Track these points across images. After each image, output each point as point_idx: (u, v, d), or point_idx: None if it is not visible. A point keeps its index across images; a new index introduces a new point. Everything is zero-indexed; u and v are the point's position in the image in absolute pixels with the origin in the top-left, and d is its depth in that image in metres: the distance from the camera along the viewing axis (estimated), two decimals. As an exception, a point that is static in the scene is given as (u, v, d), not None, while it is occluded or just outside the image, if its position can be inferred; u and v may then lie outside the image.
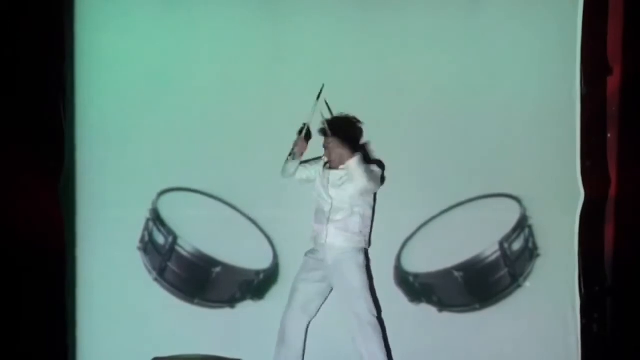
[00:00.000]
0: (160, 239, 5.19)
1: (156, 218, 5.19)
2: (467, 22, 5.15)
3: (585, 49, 5.10)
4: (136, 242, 5.18)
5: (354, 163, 4.73)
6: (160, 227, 5.19)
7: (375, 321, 4.80)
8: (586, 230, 5.13)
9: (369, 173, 4.78)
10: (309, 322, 4.90)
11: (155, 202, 5.19)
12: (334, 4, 5.21)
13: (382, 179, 4.99)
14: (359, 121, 5.03)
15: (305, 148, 4.98)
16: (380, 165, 5.01)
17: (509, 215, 5.20)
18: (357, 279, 4.80)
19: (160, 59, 5.20)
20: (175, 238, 5.19)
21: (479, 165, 5.17)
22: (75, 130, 5.16)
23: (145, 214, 5.19)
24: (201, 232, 5.20)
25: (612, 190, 5.11)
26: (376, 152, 5.15)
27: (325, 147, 4.91)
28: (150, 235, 5.20)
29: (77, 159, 5.17)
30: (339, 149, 4.79)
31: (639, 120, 5.04)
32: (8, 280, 4.90)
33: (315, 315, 4.92)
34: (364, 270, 4.84)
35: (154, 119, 5.19)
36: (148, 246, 5.19)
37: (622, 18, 5.05)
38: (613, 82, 5.10)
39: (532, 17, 5.14)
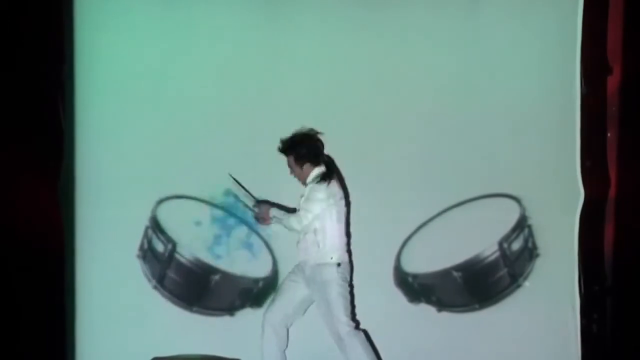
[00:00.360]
0: (159, 247, 5.17)
1: (155, 226, 5.17)
2: (466, 22, 5.14)
3: (585, 48, 5.09)
4: (135, 243, 5.15)
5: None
6: (160, 235, 5.16)
7: (354, 331, 4.71)
8: (586, 230, 5.12)
9: (288, 217, 4.76)
10: (288, 325, 4.85)
11: (154, 210, 5.16)
12: (334, 3, 5.19)
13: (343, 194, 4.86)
14: (317, 134, 4.88)
15: (267, 213, 4.88)
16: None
17: (509, 215, 5.19)
18: (327, 292, 4.68)
19: (160, 59, 5.17)
20: (174, 246, 5.17)
21: (479, 165, 5.16)
22: (74, 130, 5.12)
23: (145, 219, 5.15)
24: (200, 239, 5.18)
25: (612, 190, 5.10)
26: (376, 152, 5.15)
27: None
28: (150, 243, 5.17)
29: (77, 158, 5.13)
30: (297, 168, 4.82)
31: (639, 120, 5.02)
32: (7, 281, 4.88)
33: (295, 318, 4.86)
34: (336, 283, 4.68)
35: (153, 119, 5.16)
36: (147, 254, 5.16)
37: (622, 18, 5.04)
38: (613, 82, 5.09)
39: (532, 17, 5.13)
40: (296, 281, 4.83)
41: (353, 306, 4.88)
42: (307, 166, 4.80)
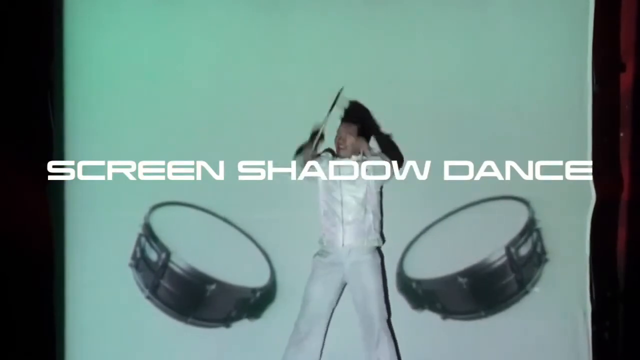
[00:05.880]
0: (153, 256, 5.07)
1: (149, 233, 5.07)
2: (474, 18, 5.04)
3: (597, 44, 4.99)
4: (128, 251, 5.05)
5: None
6: (153, 243, 5.07)
7: (387, 326, 4.77)
8: (597, 234, 5.03)
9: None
10: (327, 325, 4.84)
11: (147, 217, 5.06)
12: (337, -3, 5.12)
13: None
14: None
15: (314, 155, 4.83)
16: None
17: (516, 219, 5.08)
18: (373, 281, 4.77)
19: (153, 56, 5.07)
20: (168, 254, 5.07)
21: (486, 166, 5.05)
22: (64, 130, 5.02)
23: (138, 226, 5.05)
24: (195, 248, 5.08)
25: (625, 192, 5.03)
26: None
27: (339, 135, 4.83)
28: (143, 251, 5.07)
29: (66, 160, 5.01)
30: (351, 137, 4.79)
31: (653, 119, 4.96)
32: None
33: (331, 317, 4.85)
34: (379, 271, 4.81)
35: (146, 119, 5.06)
36: (140, 263, 5.07)
37: (635, 12, 4.98)
38: (626, 79, 5.02)
39: (542, 12, 5.04)
40: (323, 283, 4.80)
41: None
42: (363, 140, 4.82)
